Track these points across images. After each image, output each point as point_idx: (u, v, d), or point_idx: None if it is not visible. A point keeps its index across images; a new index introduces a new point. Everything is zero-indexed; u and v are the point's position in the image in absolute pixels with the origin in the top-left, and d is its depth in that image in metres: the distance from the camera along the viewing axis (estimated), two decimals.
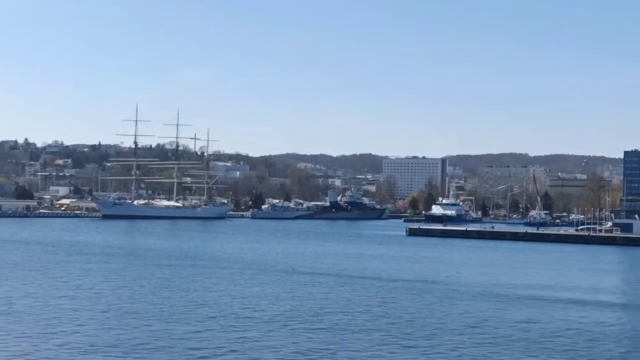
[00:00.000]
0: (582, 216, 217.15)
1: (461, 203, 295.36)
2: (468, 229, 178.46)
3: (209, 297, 59.06)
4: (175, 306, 53.92)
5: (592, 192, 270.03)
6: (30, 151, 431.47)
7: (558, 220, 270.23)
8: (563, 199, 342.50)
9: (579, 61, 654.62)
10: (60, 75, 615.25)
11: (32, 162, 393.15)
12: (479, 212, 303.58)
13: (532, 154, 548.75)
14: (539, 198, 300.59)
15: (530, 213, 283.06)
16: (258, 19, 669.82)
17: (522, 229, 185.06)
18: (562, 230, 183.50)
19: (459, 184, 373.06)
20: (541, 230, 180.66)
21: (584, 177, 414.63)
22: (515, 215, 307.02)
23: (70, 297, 56.77)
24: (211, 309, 52.80)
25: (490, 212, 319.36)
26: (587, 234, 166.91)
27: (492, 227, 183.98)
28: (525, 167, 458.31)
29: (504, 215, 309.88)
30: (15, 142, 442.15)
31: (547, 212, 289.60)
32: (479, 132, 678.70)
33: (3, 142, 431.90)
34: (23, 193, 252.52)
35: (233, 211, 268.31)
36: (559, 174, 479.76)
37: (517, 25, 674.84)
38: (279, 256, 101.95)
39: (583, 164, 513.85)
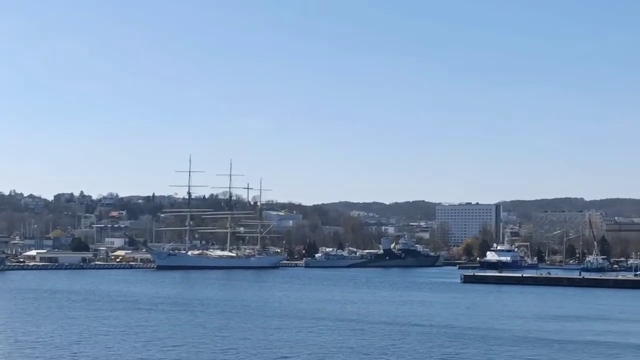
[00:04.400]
0: None
1: (516, 249, 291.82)
2: (524, 275, 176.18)
3: (259, 346, 59.23)
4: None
5: None
6: (86, 204, 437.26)
7: (616, 266, 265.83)
8: (621, 244, 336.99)
9: (633, 104, 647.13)
10: (114, 128, 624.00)
11: (87, 215, 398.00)
12: (535, 258, 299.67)
13: (587, 198, 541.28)
14: (595, 243, 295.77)
15: (587, 258, 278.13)
16: (309, 69, 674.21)
17: (578, 275, 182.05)
18: (621, 276, 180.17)
19: (513, 230, 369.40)
20: (599, 276, 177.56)
21: None
22: (571, 261, 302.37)
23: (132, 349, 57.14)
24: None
25: (546, 258, 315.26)
26: None
27: (549, 273, 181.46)
28: (581, 211, 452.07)
29: (560, 261, 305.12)
30: (71, 194, 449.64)
31: (605, 257, 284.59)
32: (532, 177, 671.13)
33: (59, 195, 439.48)
34: (79, 245, 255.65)
35: (287, 260, 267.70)
36: (616, 218, 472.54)
37: (570, 71, 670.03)
38: (329, 304, 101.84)
39: None
